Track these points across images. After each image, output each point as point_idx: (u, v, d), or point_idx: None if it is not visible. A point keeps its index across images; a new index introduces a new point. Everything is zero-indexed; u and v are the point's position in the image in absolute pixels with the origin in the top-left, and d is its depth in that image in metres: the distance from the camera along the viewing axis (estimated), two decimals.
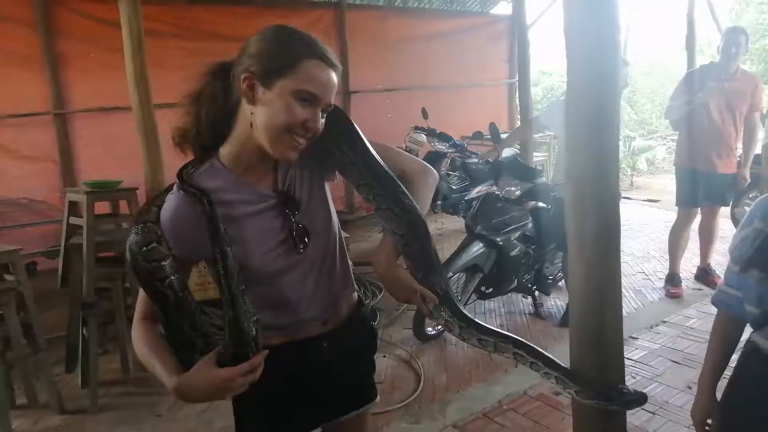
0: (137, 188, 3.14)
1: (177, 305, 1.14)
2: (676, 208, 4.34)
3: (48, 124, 5.18)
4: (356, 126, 1.27)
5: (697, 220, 4.33)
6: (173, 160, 1.28)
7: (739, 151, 4.19)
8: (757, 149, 4.16)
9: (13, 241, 4.16)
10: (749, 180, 4.31)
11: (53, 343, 3.39)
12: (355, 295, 1.46)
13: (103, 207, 3.32)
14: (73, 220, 3.09)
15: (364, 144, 1.25)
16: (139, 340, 1.17)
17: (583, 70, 1.00)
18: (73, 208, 3.12)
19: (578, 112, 1.02)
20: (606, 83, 0.99)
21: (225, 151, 1.20)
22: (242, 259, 1.16)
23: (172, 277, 1.14)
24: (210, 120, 1.19)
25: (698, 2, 6.65)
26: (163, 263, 1.13)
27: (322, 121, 1.16)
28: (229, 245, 1.12)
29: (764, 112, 4.20)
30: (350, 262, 1.43)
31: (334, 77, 1.15)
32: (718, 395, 1.48)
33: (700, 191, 4.11)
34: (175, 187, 1.18)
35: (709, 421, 1.44)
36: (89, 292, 2.93)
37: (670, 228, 4.40)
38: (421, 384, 3.10)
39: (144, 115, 3.01)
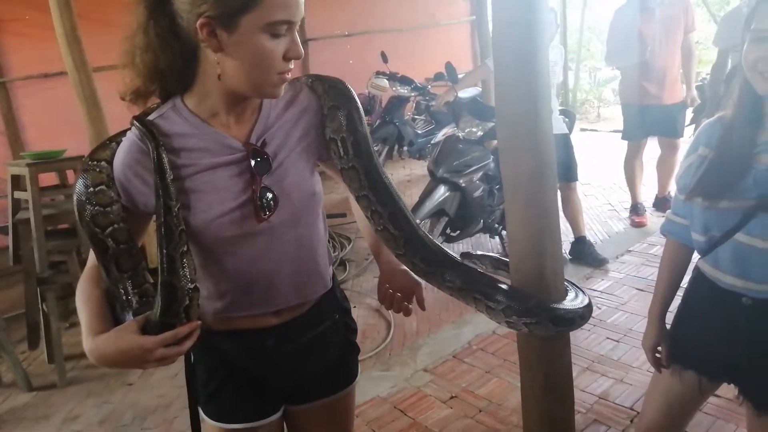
0: (83, 156, 3.01)
1: (116, 257, 1.02)
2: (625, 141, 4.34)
3: None
4: (363, 116, 1.12)
5: (657, 153, 4.34)
6: (124, 124, 1.12)
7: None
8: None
9: None
10: (699, 101, 4.30)
11: (14, 321, 3.32)
12: (327, 280, 1.23)
13: (50, 178, 3.20)
14: (18, 194, 2.97)
15: (369, 146, 1.10)
16: (78, 291, 1.04)
17: (506, 8, 0.94)
18: (17, 182, 2.99)
19: (504, 51, 0.96)
20: (530, 19, 0.93)
21: (191, 94, 1.05)
22: (192, 218, 1.03)
23: (116, 226, 1.02)
24: (160, 67, 1.01)
25: None
26: (108, 209, 1.02)
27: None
28: (172, 198, 0.99)
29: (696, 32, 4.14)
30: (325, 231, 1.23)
31: None
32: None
33: (647, 124, 4.10)
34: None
35: (660, 348, 1.45)
36: (42, 267, 2.84)
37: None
38: (392, 331, 3.12)
39: (81, 79, 2.85)
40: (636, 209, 4.36)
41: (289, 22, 0.96)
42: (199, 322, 0.99)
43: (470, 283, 1.07)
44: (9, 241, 3.07)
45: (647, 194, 4.54)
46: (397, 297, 1.24)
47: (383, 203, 1.08)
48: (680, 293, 1.48)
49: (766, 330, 1.26)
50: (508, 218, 1.05)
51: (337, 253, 4.21)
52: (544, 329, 1.03)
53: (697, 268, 1.41)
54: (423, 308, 1.28)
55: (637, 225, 4.29)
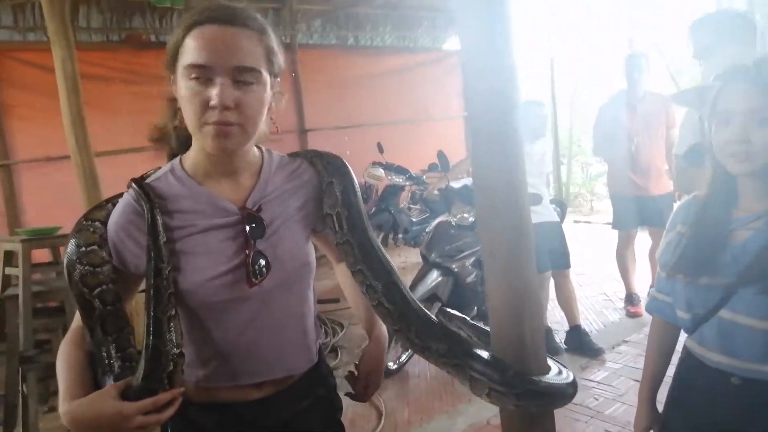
0: None
1: (102, 319, 1.00)
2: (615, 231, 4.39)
3: None
4: (359, 191, 1.15)
5: (648, 243, 4.38)
6: None
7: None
8: None
9: None
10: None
11: None
12: (313, 354, 1.20)
13: (43, 256, 3.20)
14: (9, 270, 2.96)
15: (363, 221, 1.11)
16: (60, 352, 1.02)
17: (480, 83, 0.99)
18: (10, 258, 2.99)
19: (480, 125, 1.01)
20: (504, 88, 0.98)
21: (187, 155, 1.08)
22: (182, 280, 1.01)
23: (105, 287, 1.01)
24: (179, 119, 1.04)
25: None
26: (98, 269, 1.01)
27: (244, 94, 0.96)
28: (164, 261, 0.99)
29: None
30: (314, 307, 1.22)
31: (230, 34, 0.96)
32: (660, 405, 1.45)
33: (635, 214, 4.17)
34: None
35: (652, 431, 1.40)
36: (27, 345, 2.78)
37: None
38: (382, 420, 3.01)
39: (82, 160, 2.91)
40: (631, 299, 4.34)
41: (206, 67, 0.94)
42: (182, 389, 0.97)
43: (455, 351, 1.04)
44: None
45: (642, 284, 4.53)
46: (363, 384, 1.26)
47: (377, 277, 1.07)
48: (670, 372, 1.46)
49: (758, 411, 1.22)
50: (488, 287, 1.05)
51: (329, 339, 4.14)
52: (523, 403, 0.99)
53: (685, 348, 1.39)
54: (365, 400, 1.30)
55: (633, 315, 4.25)
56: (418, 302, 1.09)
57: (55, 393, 3.04)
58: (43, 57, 4.83)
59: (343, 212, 1.10)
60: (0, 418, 3.13)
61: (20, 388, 2.91)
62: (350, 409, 3.18)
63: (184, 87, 0.96)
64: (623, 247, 4.31)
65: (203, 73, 0.94)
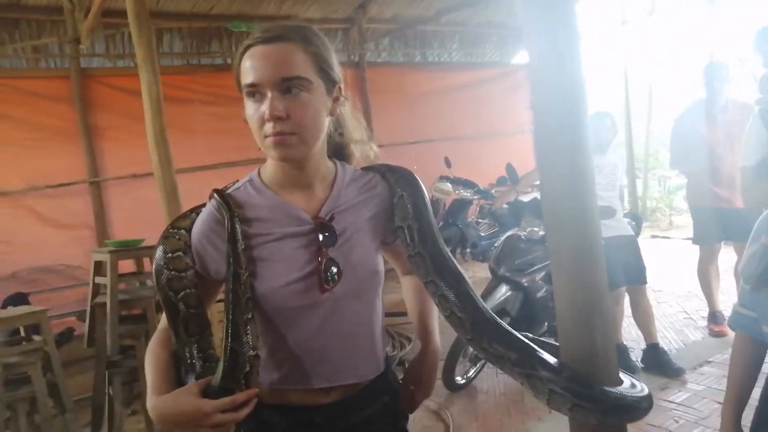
0: None
1: (186, 321, 1.07)
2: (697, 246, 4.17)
3: (84, 193, 5.40)
4: (429, 204, 1.17)
5: (732, 258, 4.15)
6: None
7: None
8: None
9: (50, 305, 4.27)
10: None
11: (81, 404, 3.41)
12: (381, 361, 1.22)
13: (128, 266, 3.40)
14: (99, 279, 3.17)
15: (434, 233, 1.13)
16: (148, 350, 1.10)
17: (546, 94, 0.99)
18: (99, 268, 3.20)
19: (546, 137, 1.00)
20: (571, 100, 0.97)
21: (265, 167, 1.15)
22: (258, 285, 1.07)
23: (189, 291, 1.08)
24: None
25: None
26: (183, 274, 1.08)
27: (293, 102, 1.02)
28: (242, 267, 1.05)
29: None
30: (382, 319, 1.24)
31: (275, 50, 1.02)
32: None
33: (718, 228, 3.95)
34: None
35: None
36: (114, 350, 2.96)
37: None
38: None
39: (164, 175, 3.09)
40: (714, 318, 4.10)
41: (255, 85, 1.02)
42: (257, 390, 1.01)
43: (533, 361, 1.00)
44: (86, 325, 3.23)
45: (726, 302, 4.28)
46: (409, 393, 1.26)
47: (450, 287, 1.08)
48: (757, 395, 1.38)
49: None
50: (555, 296, 1.03)
51: (396, 352, 4.15)
52: (587, 412, 0.95)
53: None
54: (410, 411, 1.29)
55: (717, 334, 4.01)
56: (491, 311, 1.08)
57: (139, 396, 3.20)
58: (130, 82, 5.20)
59: (414, 225, 1.12)
60: (88, 419, 3.33)
61: (107, 391, 3.09)
62: (417, 423, 3.17)
63: (246, 107, 1.05)
64: (705, 263, 4.10)
65: (256, 91, 1.02)
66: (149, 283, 3.22)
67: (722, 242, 4.10)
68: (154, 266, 1.11)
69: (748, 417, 1.37)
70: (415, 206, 1.14)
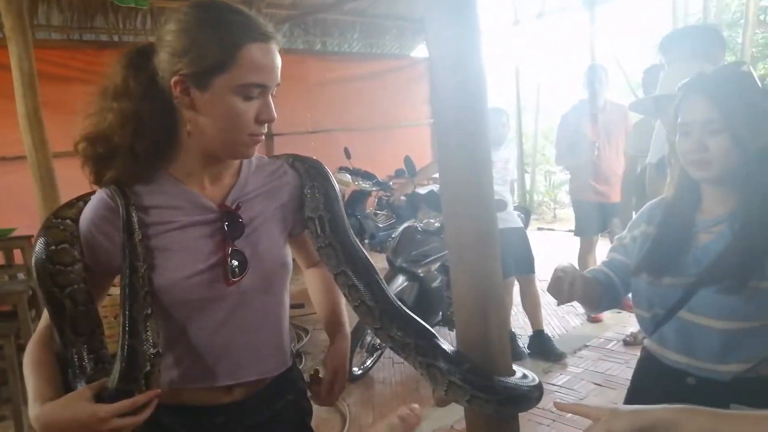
0: (32, 236, 2.93)
1: (74, 319, 0.97)
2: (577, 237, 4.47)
3: None
4: (339, 196, 1.15)
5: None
6: None
7: None
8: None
9: None
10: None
11: None
12: (287, 356, 1.19)
13: None
14: None
15: (345, 224, 1.11)
16: (27, 352, 0.99)
17: (448, 88, 1.00)
18: None
19: (447, 130, 1.01)
20: (473, 94, 0.99)
21: (165, 158, 1.04)
22: (157, 278, 1.00)
23: (76, 286, 0.99)
24: (143, 122, 0.99)
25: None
26: (69, 268, 0.99)
27: None
28: (139, 258, 0.97)
29: None
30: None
31: (277, 52, 1.01)
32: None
33: (596, 221, 4.26)
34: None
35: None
36: None
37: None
38: (347, 425, 2.99)
39: (39, 160, 2.83)
40: None
41: (262, 86, 0.98)
42: (159, 390, 0.94)
43: (434, 351, 1.01)
44: None
45: None
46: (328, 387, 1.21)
47: (360, 277, 1.07)
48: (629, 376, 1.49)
49: None
50: (453, 285, 1.05)
51: (293, 344, 4.10)
52: (503, 409, 0.98)
53: (644, 348, 1.42)
54: (330, 403, 1.23)
55: (594, 320, 4.33)
56: (397, 300, 1.09)
57: (9, 401, 2.92)
58: None
59: (326, 216, 1.10)
60: None
61: None
62: (314, 414, 3.14)
63: (231, 102, 0.97)
64: (585, 253, 4.40)
65: (259, 91, 0.98)
66: (20, 276, 2.94)
67: (600, 234, 4.41)
68: (34, 260, 1.00)
69: (620, 396, 1.46)
70: (326, 197, 1.12)
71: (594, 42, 7.10)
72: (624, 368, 3.43)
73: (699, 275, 1.23)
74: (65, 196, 2.99)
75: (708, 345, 1.24)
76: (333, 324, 1.27)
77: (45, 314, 1.02)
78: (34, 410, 0.89)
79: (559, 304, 1.38)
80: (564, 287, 1.31)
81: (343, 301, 1.24)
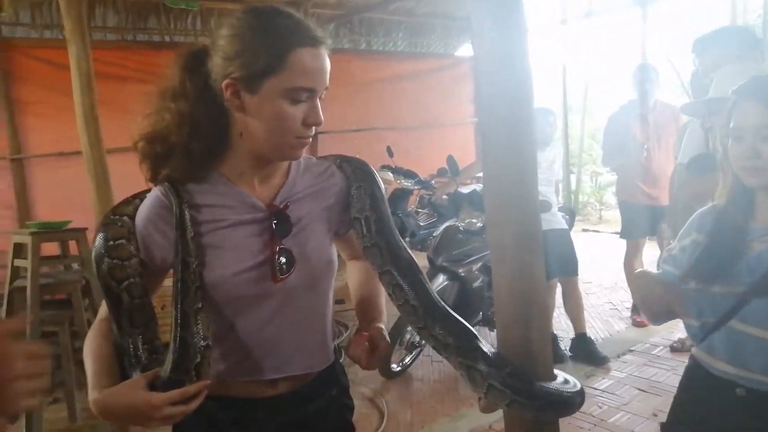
0: (86, 228, 3.06)
1: (130, 312, 1.02)
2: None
3: (4, 170, 5.08)
4: (385, 196, 1.17)
5: (656, 253, 4.37)
6: None
7: None
8: None
9: None
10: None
11: None
12: (330, 352, 1.20)
13: (52, 249, 3.23)
14: (18, 262, 2.99)
15: (391, 224, 1.13)
16: (87, 342, 1.04)
17: (494, 88, 1.00)
18: (20, 250, 3.02)
19: (492, 130, 1.01)
20: (518, 93, 0.99)
21: (218, 156, 1.08)
22: (208, 274, 1.03)
23: (132, 280, 1.03)
24: (199, 123, 1.02)
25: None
26: (126, 263, 1.03)
27: None
28: (191, 255, 1.01)
29: None
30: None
31: (327, 56, 1.02)
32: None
33: (644, 223, 4.15)
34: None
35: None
36: (34, 336, 2.80)
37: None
38: (384, 422, 3.00)
39: (94, 156, 2.94)
40: (637, 309, 4.31)
41: (310, 90, 1.00)
42: (208, 381, 0.97)
43: (475, 353, 1.00)
44: (2, 310, 3.05)
45: None
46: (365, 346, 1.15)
47: (405, 276, 1.08)
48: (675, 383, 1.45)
49: (760, 422, 1.21)
50: (495, 287, 1.05)
51: (335, 340, 4.13)
52: (525, 408, 0.97)
53: (692, 357, 1.39)
54: (372, 367, 1.16)
55: (639, 325, 4.23)
56: (441, 300, 1.09)
57: (62, 384, 3.05)
58: (58, 54, 4.90)
59: (372, 216, 1.12)
60: None
61: None
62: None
63: (279, 105, 0.99)
64: (631, 256, 4.29)
65: (308, 95, 1.00)
66: (75, 266, 3.07)
67: (647, 237, 4.30)
68: (93, 254, 1.05)
69: (666, 404, 1.43)
70: (372, 198, 1.13)
71: (645, 41, 6.91)
72: (670, 375, 3.33)
73: (752, 284, 1.19)
74: (118, 191, 3.13)
75: (760, 356, 1.20)
76: (371, 311, 1.25)
77: (103, 306, 1.07)
78: (92, 396, 0.94)
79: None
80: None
81: (383, 294, 1.24)
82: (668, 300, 1.30)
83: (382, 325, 1.21)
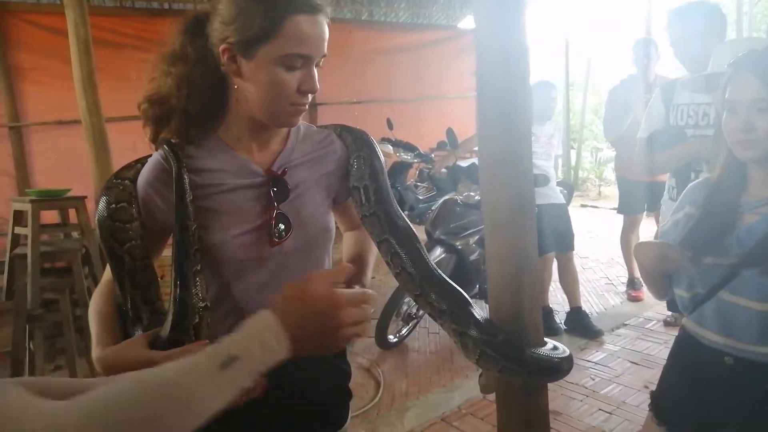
0: (86, 196, 3.06)
1: (132, 273, 1.04)
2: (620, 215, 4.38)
3: (3, 138, 5.07)
4: (384, 166, 1.17)
5: (653, 229, 4.39)
6: None
7: None
8: None
9: None
10: None
11: None
12: None
13: (52, 217, 3.24)
14: (19, 230, 3.00)
15: (389, 194, 1.14)
16: (91, 302, 1.07)
17: (491, 60, 0.99)
18: (20, 218, 3.03)
19: (487, 102, 1.01)
20: (514, 66, 0.98)
21: (217, 122, 1.09)
22: (206, 237, 1.05)
23: (134, 242, 1.05)
24: (197, 86, 1.04)
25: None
26: (128, 225, 1.05)
27: None
28: (190, 218, 1.02)
29: None
30: None
31: (325, 24, 1.02)
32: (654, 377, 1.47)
33: (641, 199, 4.16)
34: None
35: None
36: (35, 303, 2.83)
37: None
38: (380, 391, 3.05)
39: (93, 123, 2.94)
40: (633, 283, 4.35)
41: (306, 57, 1.00)
42: (207, 341, 0.98)
43: (469, 320, 1.02)
44: (3, 277, 3.07)
45: None
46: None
47: (402, 244, 1.09)
48: (665, 355, 1.48)
49: (748, 391, 1.24)
50: (487, 257, 1.07)
51: None
52: (516, 374, 1.00)
53: (682, 327, 1.41)
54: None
55: (634, 299, 4.28)
56: (437, 268, 1.11)
57: (63, 352, 3.09)
58: (55, 20, 4.85)
59: (371, 185, 1.13)
60: (7, 374, 3.20)
61: (27, 345, 2.97)
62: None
63: (274, 71, 0.99)
64: (628, 231, 4.32)
65: (303, 62, 1.00)
66: (75, 235, 3.08)
67: (644, 213, 4.32)
68: (96, 217, 1.07)
69: (655, 375, 1.46)
70: (372, 167, 1.14)
71: (650, 15, 6.83)
72: (662, 348, 3.38)
73: (742, 256, 1.21)
74: (117, 158, 3.13)
75: (748, 326, 1.22)
76: (358, 267, 1.27)
77: (107, 269, 1.09)
78: (96, 353, 0.97)
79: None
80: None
81: (372, 260, 1.27)
82: (667, 266, 1.31)
83: (365, 279, 1.25)
